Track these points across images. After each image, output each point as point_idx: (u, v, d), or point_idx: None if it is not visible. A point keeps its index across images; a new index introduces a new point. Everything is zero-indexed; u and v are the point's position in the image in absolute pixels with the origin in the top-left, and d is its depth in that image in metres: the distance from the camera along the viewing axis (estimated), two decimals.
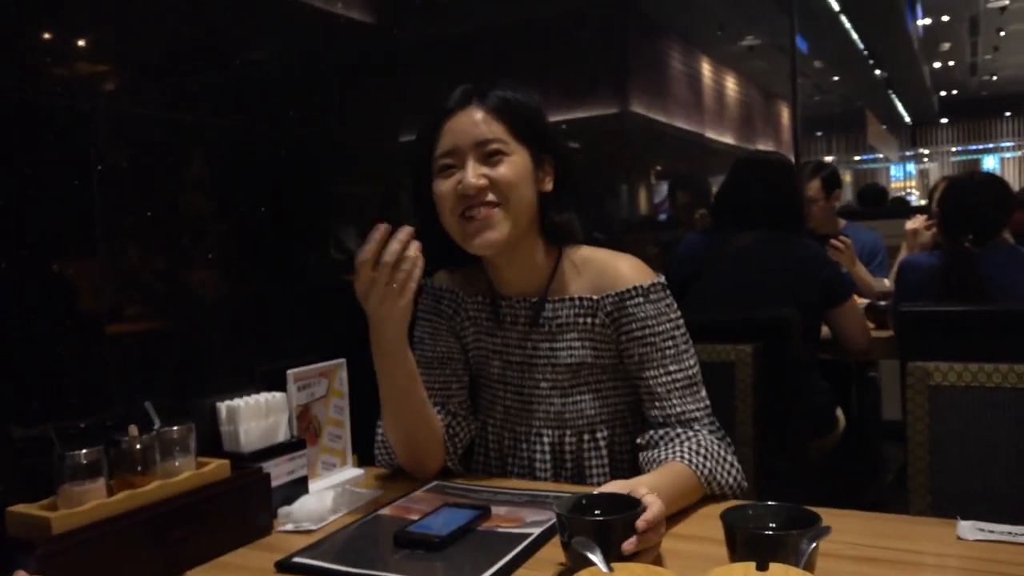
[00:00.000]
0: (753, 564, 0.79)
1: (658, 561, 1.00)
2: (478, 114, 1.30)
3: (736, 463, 1.28)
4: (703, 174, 4.82)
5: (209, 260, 1.49)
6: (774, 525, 0.93)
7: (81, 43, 1.33)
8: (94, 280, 1.32)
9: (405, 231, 1.20)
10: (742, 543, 0.89)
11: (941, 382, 1.43)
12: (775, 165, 2.76)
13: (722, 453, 1.28)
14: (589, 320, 1.36)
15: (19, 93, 1.22)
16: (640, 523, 0.96)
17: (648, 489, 1.03)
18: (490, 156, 1.29)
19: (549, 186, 1.36)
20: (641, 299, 1.34)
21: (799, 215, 2.68)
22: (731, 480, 1.26)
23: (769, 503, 0.96)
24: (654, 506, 0.99)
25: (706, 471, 1.23)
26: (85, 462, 1.04)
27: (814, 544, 0.84)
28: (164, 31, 1.44)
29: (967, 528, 1.06)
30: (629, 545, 0.94)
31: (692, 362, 1.35)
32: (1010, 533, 1.04)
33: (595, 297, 1.36)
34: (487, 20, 2.54)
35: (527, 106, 1.35)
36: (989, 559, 0.99)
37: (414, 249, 1.20)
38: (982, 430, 1.39)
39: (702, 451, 1.25)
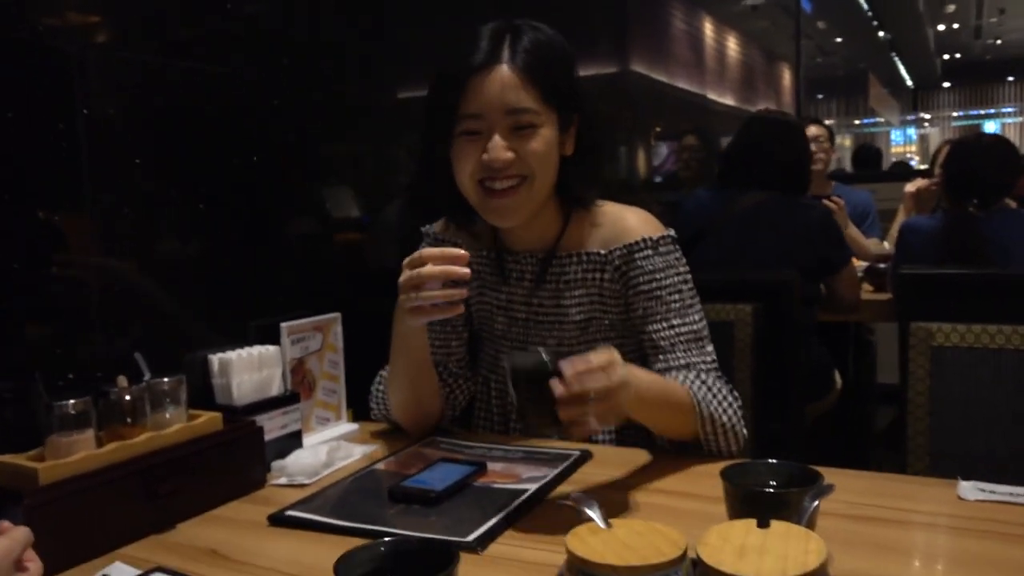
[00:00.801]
0: (754, 522, 0.77)
1: (655, 514, 0.99)
2: (508, 76, 1.20)
3: (737, 407, 1.24)
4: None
5: (200, 210, 1.46)
6: (775, 483, 0.92)
7: None
8: (82, 229, 1.29)
9: (462, 267, 1.10)
10: (743, 500, 0.88)
11: (943, 343, 1.42)
12: (789, 126, 2.73)
13: (723, 391, 1.24)
14: (598, 276, 1.33)
15: (2, 35, 1.18)
16: (567, 366, 0.95)
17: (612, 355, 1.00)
18: (519, 127, 1.21)
19: (571, 149, 1.30)
20: (650, 251, 1.31)
21: (806, 177, 2.66)
22: (728, 416, 1.22)
23: (770, 460, 0.94)
24: (597, 356, 0.98)
25: (700, 395, 1.21)
26: (73, 412, 1.02)
27: (816, 502, 0.83)
28: None
29: (968, 488, 1.05)
30: (557, 385, 0.94)
31: (697, 317, 1.32)
32: (1011, 494, 1.03)
33: (603, 252, 1.33)
34: None
35: (559, 62, 1.27)
36: (990, 519, 0.98)
37: (454, 295, 1.11)
38: (983, 392, 1.38)
39: (699, 383, 1.23)
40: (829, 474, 0.91)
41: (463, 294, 1.12)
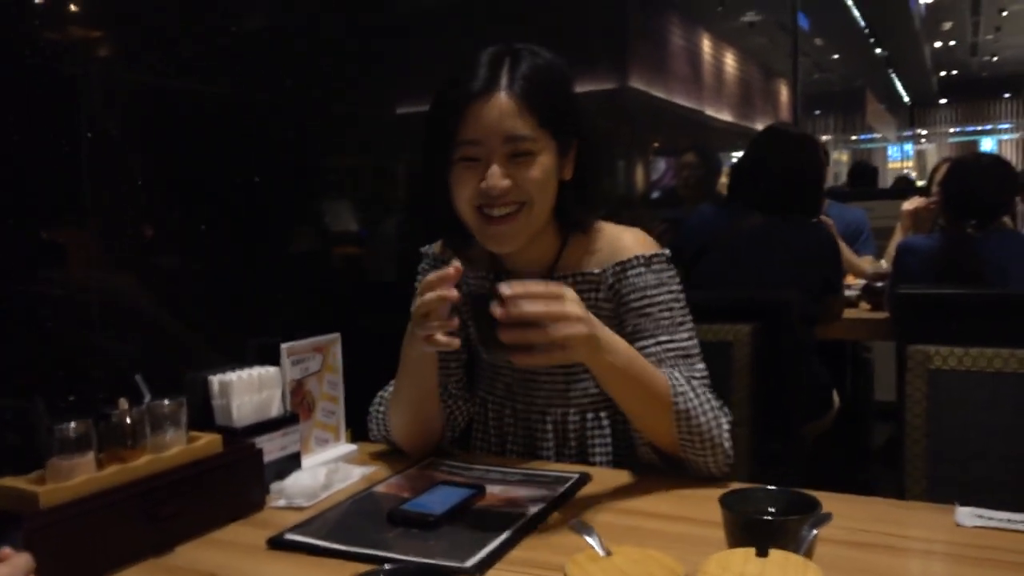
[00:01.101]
0: (753, 551, 0.78)
1: (652, 539, 0.99)
2: (506, 103, 1.20)
3: (724, 420, 1.23)
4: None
5: (202, 231, 1.47)
6: (773, 510, 0.92)
7: (72, 7, 1.30)
8: (83, 248, 1.30)
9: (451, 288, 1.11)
10: (742, 528, 0.88)
11: (941, 366, 1.42)
12: (801, 140, 2.65)
13: (709, 399, 1.23)
14: (593, 295, 1.34)
15: (7, 54, 1.19)
16: (504, 287, 1.01)
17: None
18: (517, 154, 1.22)
19: (569, 174, 1.31)
20: (643, 268, 1.32)
21: (818, 194, 2.60)
22: (708, 421, 1.20)
23: (769, 487, 0.95)
24: (541, 284, 1.04)
25: (679, 388, 1.20)
26: (74, 435, 1.02)
27: (815, 531, 0.83)
28: None
29: (966, 515, 1.05)
30: (496, 308, 0.99)
31: (686, 335, 1.31)
32: (1009, 520, 1.04)
33: (597, 271, 1.34)
34: None
35: (557, 88, 1.27)
36: (988, 546, 0.98)
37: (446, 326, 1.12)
38: (981, 416, 1.38)
39: (683, 381, 1.22)
40: (827, 499, 0.91)
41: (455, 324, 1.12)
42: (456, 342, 1.13)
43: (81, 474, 1.01)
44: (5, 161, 1.18)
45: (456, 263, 1.13)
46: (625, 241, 1.35)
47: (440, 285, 1.11)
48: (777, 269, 2.38)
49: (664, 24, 5.01)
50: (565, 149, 1.29)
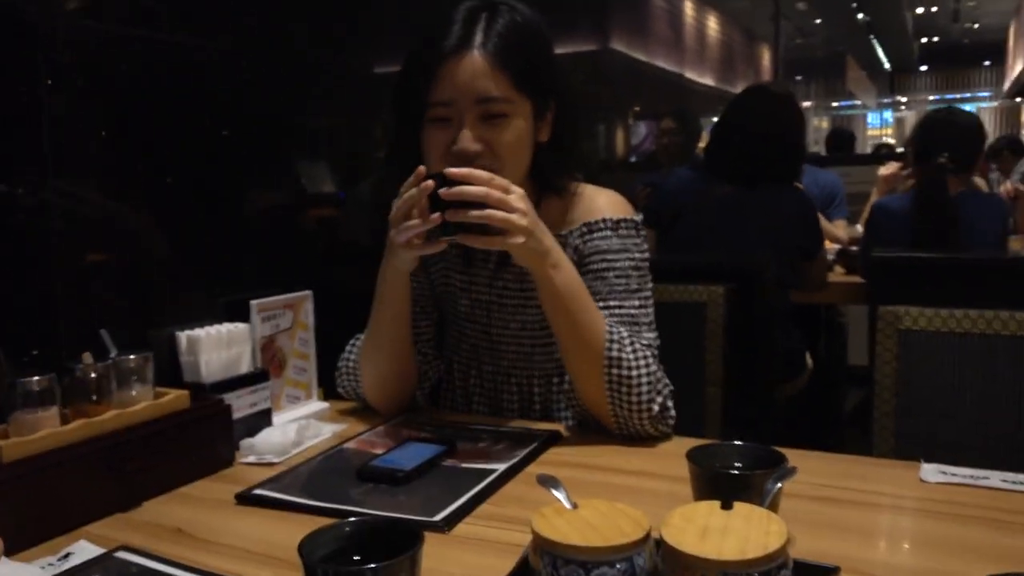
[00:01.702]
0: (718, 503, 0.78)
1: (621, 494, 0.99)
2: (480, 63, 1.18)
3: (659, 383, 1.21)
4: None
5: (169, 185, 1.44)
6: (740, 465, 0.92)
7: None
8: (45, 203, 1.27)
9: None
10: (707, 482, 0.89)
11: (911, 326, 1.43)
12: (779, 101, 2.58)
13: (648, 357, 1.21)
14: None
15: None
16: (451, 169, 1.10)
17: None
18: (490, 115, 1.20)
19: (546, 135, 1.29)
20: (609, 232, 1.30)
21: (797, 161, 2.56)
22: (640, 375, 1.19)
23: (735, 442, 0.95)
24: (485, 172, 1.11)
25: (616, 336, 1.20)
26: (37, 389, 1.00)
27: (779, 484, 0.84)
28: None
29: (930, 471, 1.07)
30: (443, 190, 1.09)
31: (638, 303, 1.28)
32: (972, 476, 1.05)
33: (563, 232, 1.32)
34: None
35: (534, 46, 1.25)
36: (950, 501, 0.99)
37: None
38: (949, 375, 1.40)
39: (624, 334, 1.21)
40: (795, 456, 0.92)
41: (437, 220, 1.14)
42: (440, 246, 1.17)
43: (45, 428, 1.00)
44: None
45: (421, 168, 1.15)
46: (598, 203, 1.34)
47: (415, 183, 1.13)
48: (750, 236, 2.38)
49: None
50: (542, 111, 1.27)
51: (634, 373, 1.20)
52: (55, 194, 1.27)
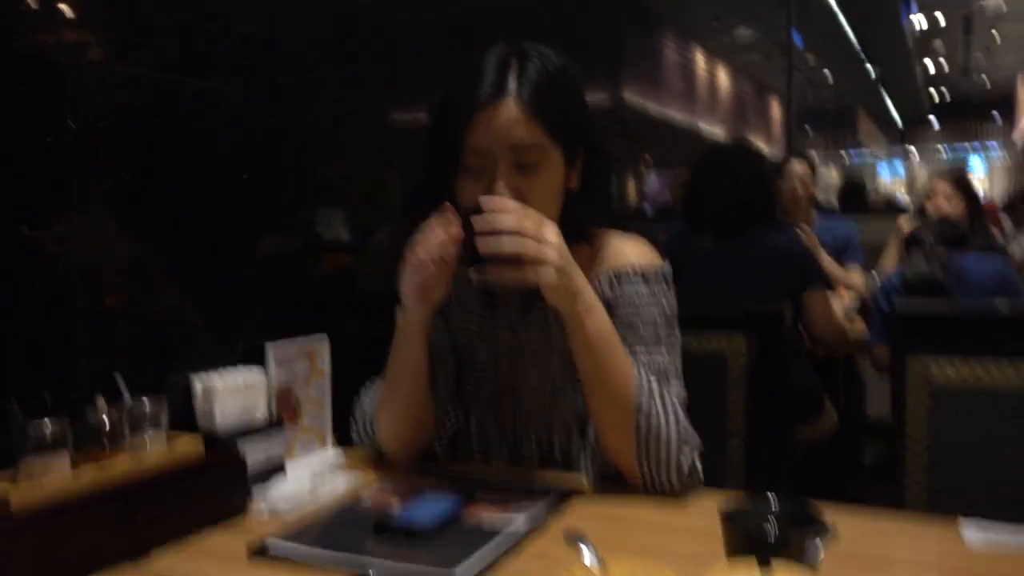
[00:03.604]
0: (754, 562, 0.75)
1: (649, 551, 0.96)
2: (514, 110, 1.16)
3: (690, 439, 1.18)
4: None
5: (188, 228, 1.43)
6: (773, 519, 0.89)
7: (64, 2, 1.27)
8: (65, 244, 1.26)
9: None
10: (743, 539, 0.85)
11: (941, 378, 1.40)
12: (740, 153, 2.69)
13: (678, 410, 1.19)
14: None
15: None
16: (485, 198, 1.09)
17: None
18: (523, 163, 1.18)
19: (576, 182, 1.28)
20: (638, 280, 1.28)
21: (769, 204, 2.61)
22: (670, 428, 1.16)
23: (769, 496, 0.91)
24: (517, 204, 1.10)
25: (647, 385, 1.17)
26: (49, 434, 0.98)
27: (818, 543, 0.80)
28: None
29: (970, 528, 1.03)
30: (476, 219, 1.07)
31: (666, 352, 1.26)
32: (1014, 531, 1.01)
33: (591, 280, 1.30)
34: (482, 4, 2.48)
35: (566, 94, 1.24)
36: (994, 558, 0.95)
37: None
38: (982, 428, 1.36)
39: (655, 383, 1.19)
40: (828, 510, 0.88)
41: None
42: (447, 288, 1.16)
43: (55, 474, 0.97)
44: None
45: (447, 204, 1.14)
46: (626, 251, 1.32)
47: (441, 222, 1.12)
48: (746, 278, 2.43)
49: (659, 39, 5.02)
50: (572, 158, 1.26)
51: (663, 427, 1.16)
52: (76, 235, 1.27)
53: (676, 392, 1.24)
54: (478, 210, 1.09)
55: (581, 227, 1.30)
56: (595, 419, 1.23)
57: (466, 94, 1.19)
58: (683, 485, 1.19)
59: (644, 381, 1.18)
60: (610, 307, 1.28)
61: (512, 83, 1.18)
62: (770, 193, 2.64)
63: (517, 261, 1.09)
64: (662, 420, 1.17)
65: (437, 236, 1.13)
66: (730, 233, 2.52)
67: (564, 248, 1.13)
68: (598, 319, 1.17)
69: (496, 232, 1.08)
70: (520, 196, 1.17)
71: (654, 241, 1.38)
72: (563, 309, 1.16)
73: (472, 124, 1.17)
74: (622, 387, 1.17)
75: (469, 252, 1.11)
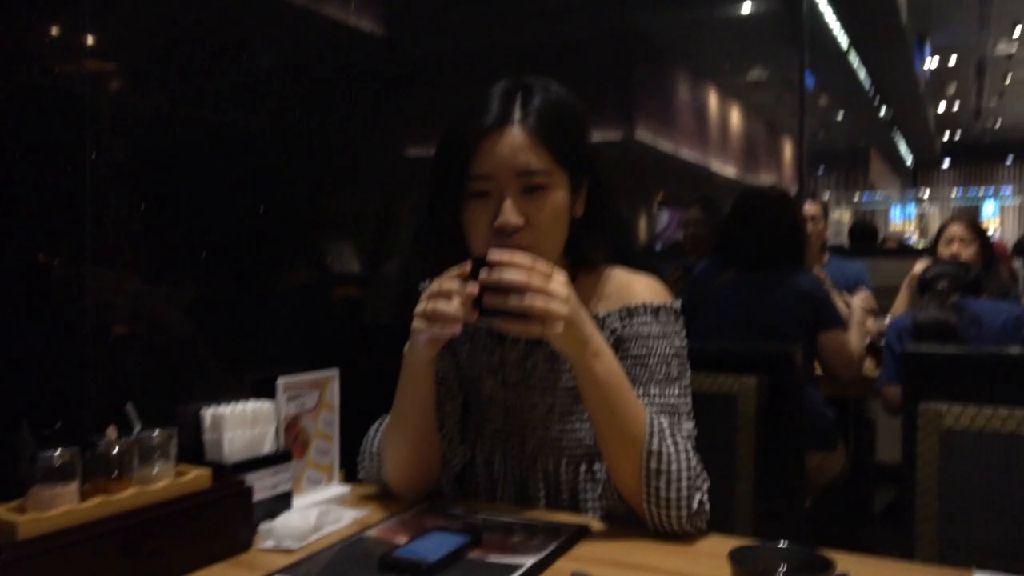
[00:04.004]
0: None
1: None
2: (520, 137, 1.19)
3: (699, 478, 1.18)
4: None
5: (202, 261, 1.44)
6: (785, 568, 0.88)
7: (85, 33, 1.29)
8: (80, 276, 1.27)
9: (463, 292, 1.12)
10: None
11: (953, 425, 1.38)
12: (781, 200, 2.83)
13: (688, 449, 1.18)
14: None
15: (14, 75, 1.17)
16: (494, 252, 1.08)
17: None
18: (530, 188, 1.20)
19: (581, 210, 1.30)
20: (649, 317, 1.29)
21: (799, 250, 2.73)
22: (680, 470, 1.15)
23: (780, 544, 0.91)
24: (528, 256, 1.09)
25: (657, 427, 1.17)
26: (58, 464, 0.98)
27: None
28: (170, 25, 1.41)
29: None
30: (484, 271, 1.07)
31: (678, 392, 1.26)
32: None
33: (601, 315, 1.31)
34: (495, 41, 2.52)
35: (570, 123, 1.26)
36: None
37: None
38: (995, 476, 1.34)
39: (665, 423, 1.19)
40: (838, 558, 0.87)
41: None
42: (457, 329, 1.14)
43: (63, 504, 0.97)
44: (6, 186, 1.16)
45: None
46: (636, 287, 1.33)
47: (459, 277, 1.12)
48: (766, 314, 2.56)
49: (670, 78, 5.06)
50: (577, 185, 1.28)
51: (674, 467, 1.16)
52: (91, 266, 1.28)
53: (686, 430, 1.24)
54: (483, 261, 1.10)
55: (586, 255, 1.32)
56: (606, 458, 1.22)
57: (472, 122, 1.21)
58: (693, 526, 1.18)
59: (655, 421, 1.18)
60: (621, 343, 1.28)
61: (517, 112, 1.21)
62: (802, 240, 2.77)
63: (525, 315, 1.09)
64: (672, 461, 1.16)
65: (455, 292, 1.13)
66: (758, 270, 2.65)
67: (573, 298, 1.13)
68: (607, 363, 1.17)
69: (503, 288, 1.08)
70: (527, 221, 1.19)
71: (663, 278, 1.38)
72: (571, 357, 1.16)
73: (478, 151, 1.20)
74: (632, 428, 1.17)
75: (478, 301, 1.11)
